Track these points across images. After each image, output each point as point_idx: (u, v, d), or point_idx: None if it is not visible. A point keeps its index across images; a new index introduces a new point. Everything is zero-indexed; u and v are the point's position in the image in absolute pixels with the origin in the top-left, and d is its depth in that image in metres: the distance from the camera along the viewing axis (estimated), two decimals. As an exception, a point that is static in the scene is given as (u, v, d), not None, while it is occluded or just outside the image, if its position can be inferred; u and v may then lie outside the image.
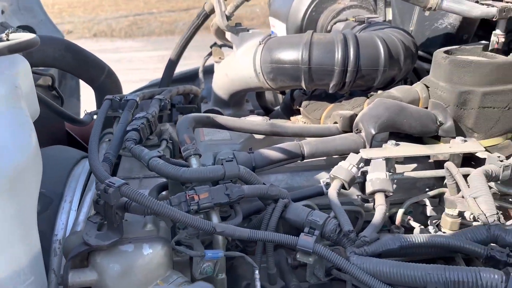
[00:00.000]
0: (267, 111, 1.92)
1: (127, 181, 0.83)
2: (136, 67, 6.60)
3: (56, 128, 1.73)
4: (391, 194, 1.04)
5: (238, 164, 1.02)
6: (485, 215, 0.93)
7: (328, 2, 1.86)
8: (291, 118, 1.65)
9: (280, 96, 2.19)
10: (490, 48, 1.44)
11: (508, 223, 1.24)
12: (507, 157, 1.28)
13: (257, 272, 0.87)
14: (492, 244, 0.90)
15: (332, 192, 1.03)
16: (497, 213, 0.94)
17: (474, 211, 0.95)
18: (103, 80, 1.58)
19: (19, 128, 0.77)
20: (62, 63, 1.52)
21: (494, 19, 1.23)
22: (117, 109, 1.33)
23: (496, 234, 0.91)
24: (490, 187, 1.19)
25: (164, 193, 1.07)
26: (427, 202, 1.25)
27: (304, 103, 1.50)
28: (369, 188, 1.04)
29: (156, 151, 0.99)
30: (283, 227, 1.04)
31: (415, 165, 1.29)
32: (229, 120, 1.19)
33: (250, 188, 0.95)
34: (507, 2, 1.28)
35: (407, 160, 1.31)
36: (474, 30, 1.50)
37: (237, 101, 1.72)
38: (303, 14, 1.88)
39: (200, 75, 1.84)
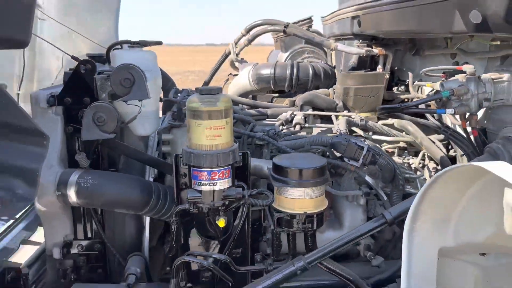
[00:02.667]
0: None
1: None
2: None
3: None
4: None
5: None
6: (340, 130, 2.15)
7: (297, 55, 3.26)
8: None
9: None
10: (377, 75, 2.73)
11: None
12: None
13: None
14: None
15: (275, 126, 2.27)
16: (346, 130, 2.15)
17: (336, 129, 2.17)
18: (169, 86, 2.93)
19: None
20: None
21: (363, 56, 2.53)
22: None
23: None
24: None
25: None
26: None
27: (274, 99, 2.80)
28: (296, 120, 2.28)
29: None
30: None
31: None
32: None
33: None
34: (375, 48, 2.59)
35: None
36: (367, 65, 2.80)
37: (241, 103, 3.02)
38: (284, 60, 3.27)
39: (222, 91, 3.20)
